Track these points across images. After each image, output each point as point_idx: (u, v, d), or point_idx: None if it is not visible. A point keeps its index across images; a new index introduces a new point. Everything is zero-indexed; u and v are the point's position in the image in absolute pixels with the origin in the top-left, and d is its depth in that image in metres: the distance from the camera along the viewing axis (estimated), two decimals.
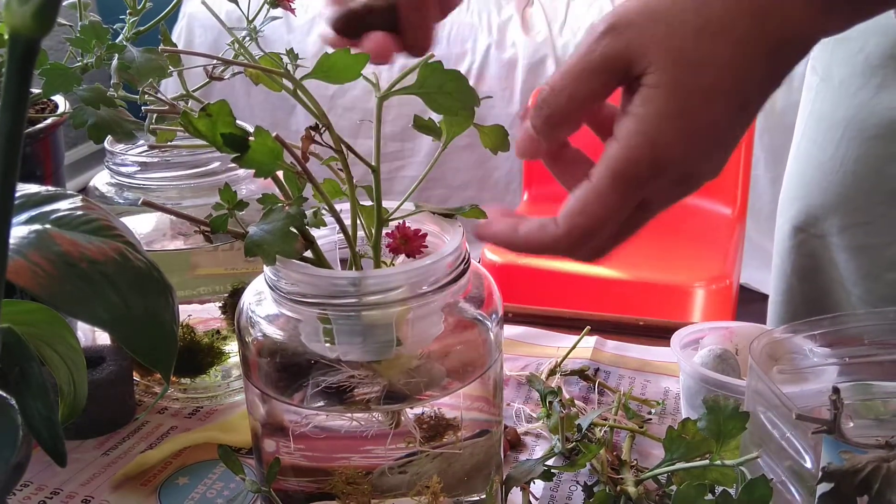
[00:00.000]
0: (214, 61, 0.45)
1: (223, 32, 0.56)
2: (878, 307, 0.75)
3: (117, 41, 0.61)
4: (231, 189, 0.43)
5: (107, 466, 0.59)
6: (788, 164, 0.85)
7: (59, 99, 0.67)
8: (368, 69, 0.43)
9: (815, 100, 0.79)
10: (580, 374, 0.68)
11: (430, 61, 0.42)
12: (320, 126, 0.42)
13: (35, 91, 0.60)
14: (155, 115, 0.57)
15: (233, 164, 0.44)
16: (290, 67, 0.43)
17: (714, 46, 0.38)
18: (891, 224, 0.74)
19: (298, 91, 0.43)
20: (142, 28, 0.63)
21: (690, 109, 0.38)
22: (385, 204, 0.45)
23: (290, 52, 0.47)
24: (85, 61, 0.59)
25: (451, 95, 0.42)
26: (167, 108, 0.40)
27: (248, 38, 0.58)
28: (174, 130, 0.57)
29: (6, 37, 0.22)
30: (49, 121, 0.63)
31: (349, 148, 0.43)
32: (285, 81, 0.43)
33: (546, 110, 0.41)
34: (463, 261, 0.44)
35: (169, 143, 0.59)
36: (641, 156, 0.39)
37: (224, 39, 0.60)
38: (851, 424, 0.44)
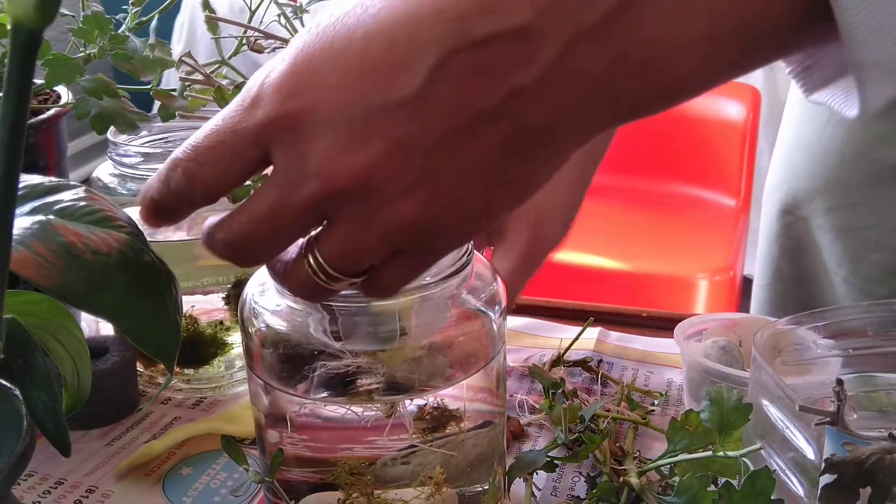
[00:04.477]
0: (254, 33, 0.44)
1: (225, 24, 0.56)
2: (863, 289, 0.75)
3: (119, 31, 0.61)
4: None
5: (111, 457, 0.59)
6: (776, 147, 0.84)
7: (61, 89, 0.67)
8: None
9: None
10: (583, 365, 0.68)
11: None
12: None
13: (38, 82, 0.60)
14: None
15: None
16: None
17: None
18: (876, 205, 0.74)
19: None
20: (144, 18, 0.63)
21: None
22: None
23: None
24: (87, 52, 0.59)
25: None
26: (203, 79, 0.39)
27: (293, 15, 0.57)
28: (205, 99, 0.55)
29: (9, 27, 0.22)
30: (52, 111, 0.63)
31: None
32: None
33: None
34: (465, 252, 0.44)
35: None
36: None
37: (227, 31, 0.60)
38: (855, 416, 0.44)
